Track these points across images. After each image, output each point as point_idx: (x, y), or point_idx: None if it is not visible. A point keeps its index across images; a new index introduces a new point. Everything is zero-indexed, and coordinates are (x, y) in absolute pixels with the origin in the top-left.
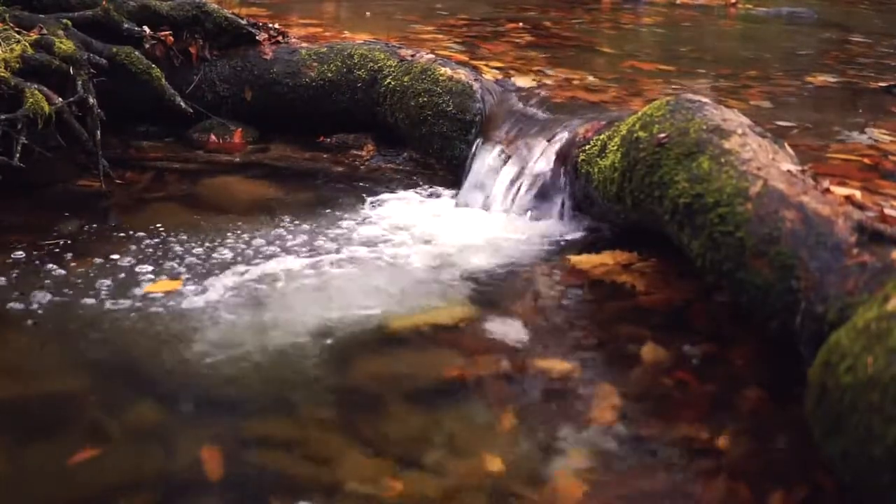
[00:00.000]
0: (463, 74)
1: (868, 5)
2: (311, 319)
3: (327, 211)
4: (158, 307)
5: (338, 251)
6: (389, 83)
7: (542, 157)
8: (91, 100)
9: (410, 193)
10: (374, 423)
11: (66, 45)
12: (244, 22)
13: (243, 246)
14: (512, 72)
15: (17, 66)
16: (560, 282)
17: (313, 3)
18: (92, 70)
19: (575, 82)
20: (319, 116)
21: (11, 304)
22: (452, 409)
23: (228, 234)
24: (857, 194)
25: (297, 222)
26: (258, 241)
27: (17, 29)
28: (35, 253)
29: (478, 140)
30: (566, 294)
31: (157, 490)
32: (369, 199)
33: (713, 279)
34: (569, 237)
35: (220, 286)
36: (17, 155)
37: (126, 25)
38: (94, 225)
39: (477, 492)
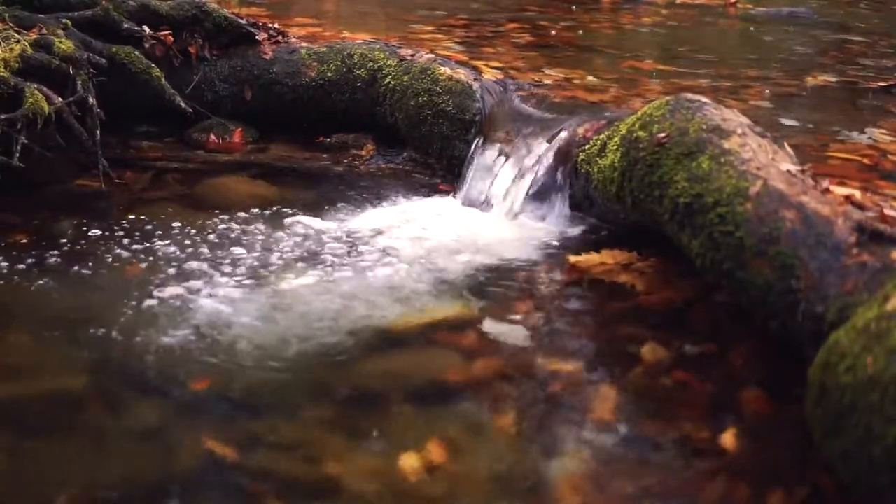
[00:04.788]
0: (462, 74)
1: (868, 5)
2: (310, 319)
3: (327, 211)
4: (158, 306)
5: (337, 251)
6: (389, 83)
7: (541, 157)
8: (91, 99)
9: (410, 193)
10: (375, 423)
11: (65, 44)
12: (244, 22)
13: (242, 245)
14: (512, 71)
15: (17, 65)
16: (560, 282)
17: (313, 3)
18: (92, 70)
19: (575, 82)
20: (319, 116)
21: (11, 304)
22: (452, 409)
23: (228, 233)
24: (857, 194)
25: (296, 222)
26: (257, 241)
27: (16, 29)
28: (34, 252)
29: (477, 140)
30: (566, 294)
31: (157, 490)
32: (369, 199)
33: (713, 279)
34: (569, 237)
35: (218, 285)
36: (17, 154)
37: (126, 25)
38: (94, 225)
39: (477, 492)
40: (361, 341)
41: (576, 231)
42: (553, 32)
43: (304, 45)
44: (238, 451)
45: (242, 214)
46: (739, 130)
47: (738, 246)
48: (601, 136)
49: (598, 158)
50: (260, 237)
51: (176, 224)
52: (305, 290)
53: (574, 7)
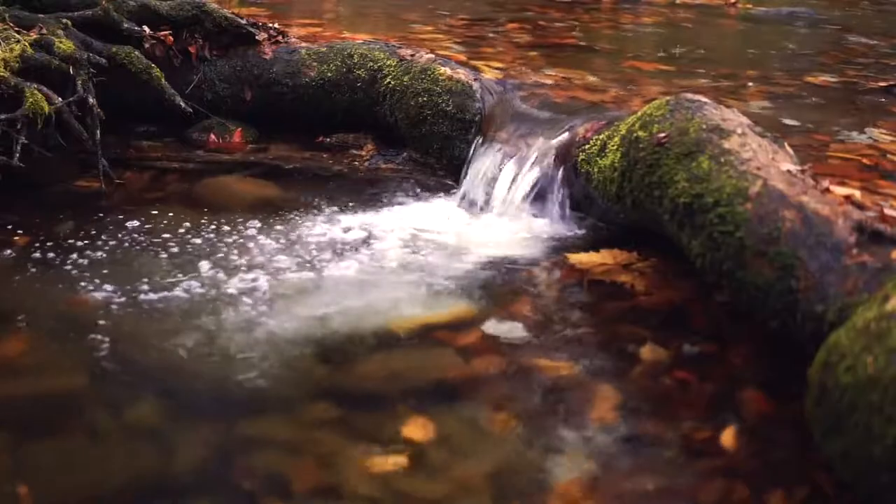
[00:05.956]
0: (462, 74)
1: (868, 5)
2: (310, 319)
3: (326, 211)
4: (158, 306)
5: (337, 251)
6: (389, 83)
7: (541, 157)
8: (91, 99)
9: (410, 193)
10: (374, 423)
11: (65, 44)
12: (244, 22)
13: (241, 246)
14: (512, 72)
15: (17, 65)
16: (560, 281)
17: (313, 3)
18: (92, 70)
19: (575, 82)
20: (319, 116)
21: (11, 303)
22: (452, 409)
23: (227, 233)
24: (857, 194)
25: (296, 222)
26: (257, 241)
27: (17, 29)
28: (34, 253)
29: (477, 140)
30: (566, 294)
31: (156, 490)
32: (369, 199)
33: (713, 279)
34: (568, 237)
35: (217, 285)
36: (17, 155)
37: (126, 25)
38: (94, 225)
39: (477, 492)
40: (361, 341)
41: (576, 231)
42: (553, 32)
43: (304, 45)
44: (237, 450)
45: (242, 214)
46: (739, 130)
47: (738, 246)
48: (601, 136)
49: (598, 158)
50: (259, 237)
51: (175, 224)
52: (305, 290)
53: (574, 7)
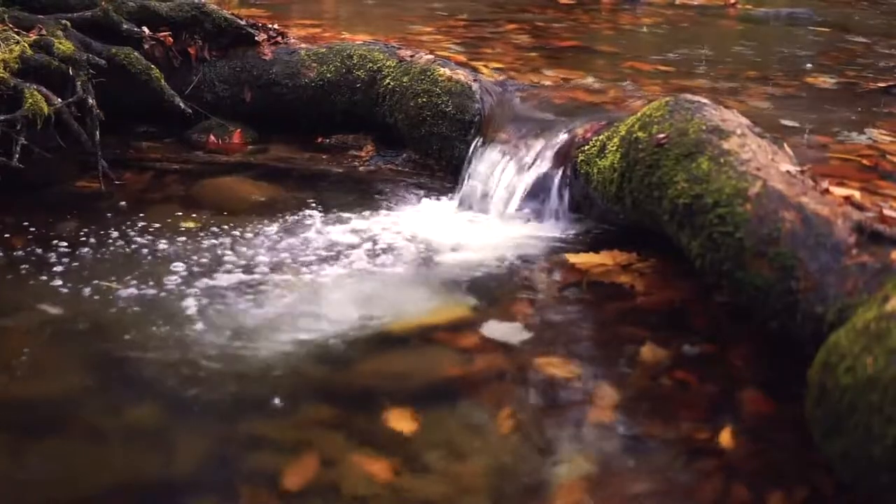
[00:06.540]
0: (462, 75)
1: (868, 5)
2: (310, 320)
3: (326, 212)
4: (158, 307)
5: (336, 252)
6: (388, 84)
7: (541, 158)
8: (90, 100)
9: (409, 194)
10: (374, 423)
11: (65, 45)
12: (243, 22)
13: (241, 247)
14: (511, 72)
15: (17, 66)
16: (559, 282)
17: (313, 4)
18: (91, 71)
19: (574, 82)
20: (319, 117)
21: (11, 304)
22: (452, 410)
23: (227, 234)
24: (857, 195)
25: (296, 223)
26: (256, 242)
27: (16, 29)
28: (34, 253)
29: (477, 140)
30: (565, 294)
31: (155, 491)
32: (368, 200)
33: (713, 279)
34: (568, 237)
35: (217, 287)
36: (17, 155)
37: (125, 26)
38: (94, 225)
39: (476, 492)
40: (361, 342)
41: (575, 232)
42: (553, 33)
43: (303, 45)
44: (237, 451)
45: (241, 215)
46: (739, 131)
47: (737, 247)
48: (600, 137)
49: (597, 159)
50: (258, 238)
51: (175, 225)
52: (305, 291)
53: (574, 8)
